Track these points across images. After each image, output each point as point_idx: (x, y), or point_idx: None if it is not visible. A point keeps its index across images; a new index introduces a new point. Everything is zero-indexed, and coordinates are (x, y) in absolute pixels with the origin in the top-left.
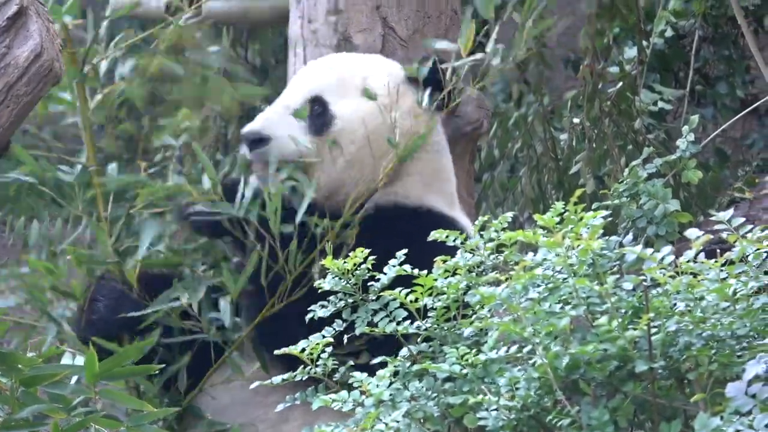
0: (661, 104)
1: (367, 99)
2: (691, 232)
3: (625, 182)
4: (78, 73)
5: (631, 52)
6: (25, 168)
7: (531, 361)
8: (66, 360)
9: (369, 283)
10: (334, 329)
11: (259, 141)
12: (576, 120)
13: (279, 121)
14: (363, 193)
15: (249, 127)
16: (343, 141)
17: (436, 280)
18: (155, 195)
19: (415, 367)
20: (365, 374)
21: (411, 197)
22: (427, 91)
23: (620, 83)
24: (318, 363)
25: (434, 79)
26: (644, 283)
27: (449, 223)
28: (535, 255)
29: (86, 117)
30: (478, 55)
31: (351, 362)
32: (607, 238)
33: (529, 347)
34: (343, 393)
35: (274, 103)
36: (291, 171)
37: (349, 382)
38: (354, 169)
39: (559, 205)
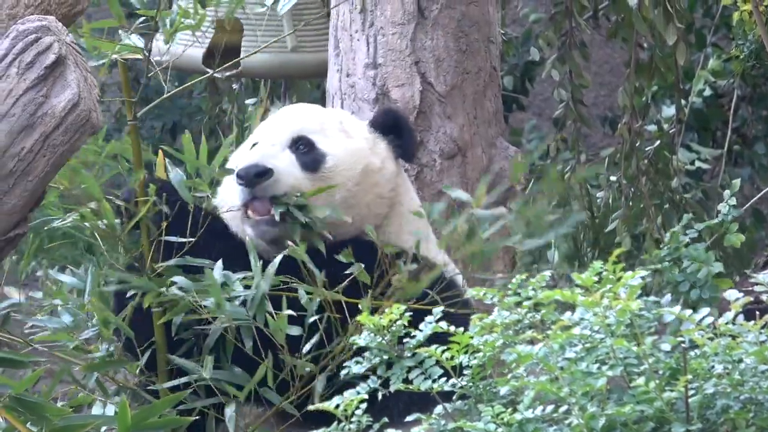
0: (698, 163)
1: (349, 138)
2: (731, 294)
3: (666, 247)
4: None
5: (669, 110)
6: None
7: (567, 422)
8: (96, 409)
9: (404, 340)
10: (369, 386)
11: (260, 175)
12: (613, 178)
13: (276, 155)
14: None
15: (246, 162)
16: (339, 178)
17: (472, 337)
18: None
19: (451, 426)
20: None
21: (402, 240)
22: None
23: (658, 142)
24: (352, 420)
25: (396, 128)
26: (682, 345)
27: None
28: (572, 314)
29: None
30: (497, 210)
31: (385, 419)
32: (645, 298)
33: (566, 407)
34: None
35: (258, 144)
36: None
37: None
38: (352, 209)
39: (597, 264)
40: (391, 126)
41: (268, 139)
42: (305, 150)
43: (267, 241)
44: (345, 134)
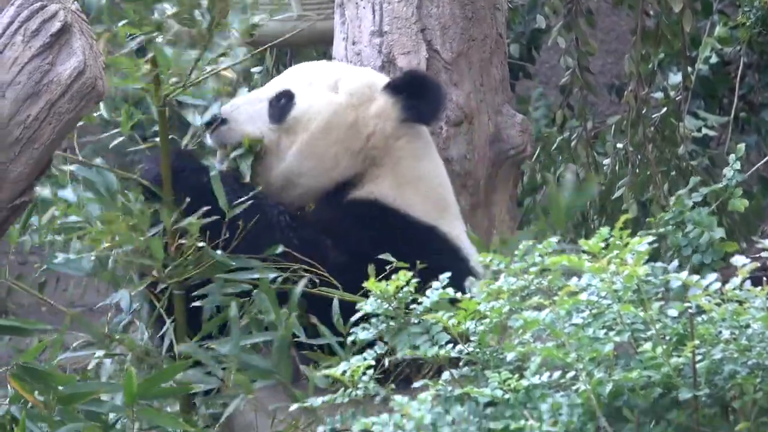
0: (705, 130)
1: (331, 93)
2: (737, 260)
3: (670, 211)
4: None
5: (675, 78)
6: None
7: (574, 387)
8: (103, 378)
9: (411, 306)
10: (376, 352)
11: (211, 123)
12: (619, 145)
13: (242, 107)
14: (322, 189)
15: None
16: (299, 128)
17: (479, 303)
18: None
19: (457, 391)
20: (406, 398)
21: (387, 199)
22: (402, 101)
23: (664, 109)
24: (359, 386)
25: (413, 88)
26: (689, 310)
27: (421, 229)
28: (579, 280)
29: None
30: None
31: (392, 385)
32: (652, 264)
33: (573, 373)
34: (384, 416)
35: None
36: (242, 155)
37: (390, 405)
38: (309, 160)
39: (604, 231)
40: (410, 87)
41: (257, 92)
42: (283, 103)
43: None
44: (331, 89)
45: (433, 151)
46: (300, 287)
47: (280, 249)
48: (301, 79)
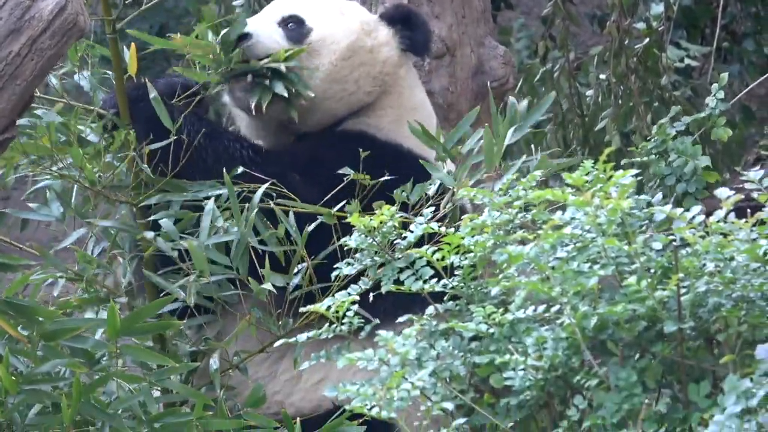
0: (687, 61)
1: (342, 16)
2: (721, 192)
3: (653, 140)
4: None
5: (657, 8)
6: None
7: (559, 321)
8: (88, 314)
9: (395, 241)
10: (360, 287)
11: (241, 38)
12: (602, 76)
13: (261, 23)
14: (337, 117)
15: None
16: (324, 50)
17: (463, 238)
18: None
19: (442, 326)
20: (391, 333)
21: (382, 131)
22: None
23: (647, 39)
24: (344, 321)
25: (406, 20)
26: (674, 243)
27: (414, 160)
28: (563, 214)
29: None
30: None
31: (377, 320)
32: (636, 197)
33: (557, 307)
34: (369, 351)
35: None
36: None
37: (375, 340)
38: (336, 83)
39: (587, 164)
40: (401, 19)
41: (262, 15)
42: (294, 26)
43: (242, 108)
44: (340, 14)
45: (420, 84)
46: (258, 194)
47: (240, 170)
48: (304, 3)
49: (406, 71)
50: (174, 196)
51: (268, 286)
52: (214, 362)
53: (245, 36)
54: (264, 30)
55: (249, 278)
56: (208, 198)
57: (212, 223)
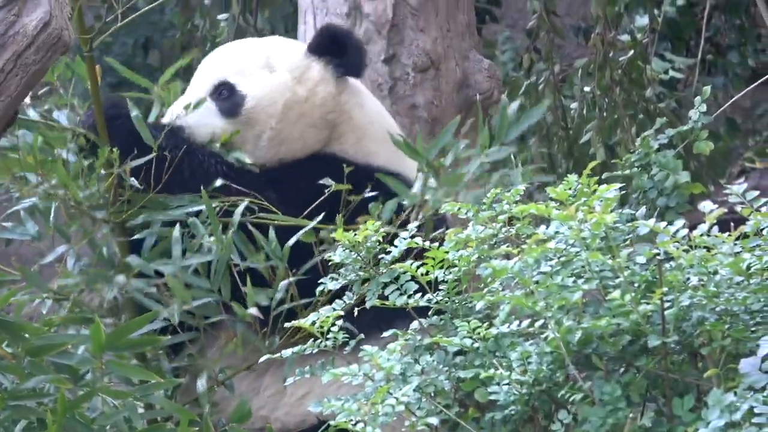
0: (672, 73)
1: (271, 74)
2: (705, 205)
3: (636, 153)
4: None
5: (642, 20)
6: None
7: (543, 336)
8: (71, 330)
9: (380, 256)
10: (345, 302)
11: (175, 130)
12: (587, 88)
13: (192, 103)
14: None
15: (165, 120)
16: (261, 116)
17: (447, 252)
18: None
19: (426, 341)
20: (376, 347)
21: (349, 153)
22: (327, 59)
23: (631, 52)
24: (328, 336)
25: (334, 46)
26: (658, 257)
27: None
28: (547, 228)
29: (97, 93)
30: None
31: (361, 335)
32: (620, 211)
33: (541, 321)
34: (354, 366)
35: (182, 96)
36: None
37: (360, 355)
38: (280, 145)
39: (572, 178)
40: (330, 45)
41: (191, 92)
42: (226, 95)
43: None
44: (268, 70)
45: (369, 95)
46: (239, 210)
47: (219, 182)
48: (230, 64)
49: (349, 94)
50: (156, 214)
51: (253, 310)
52: (201, 384)
53: (179, 128)
54: (194, 117)
55: (233, 301)
56: (189, 215)
57: (193, 241)
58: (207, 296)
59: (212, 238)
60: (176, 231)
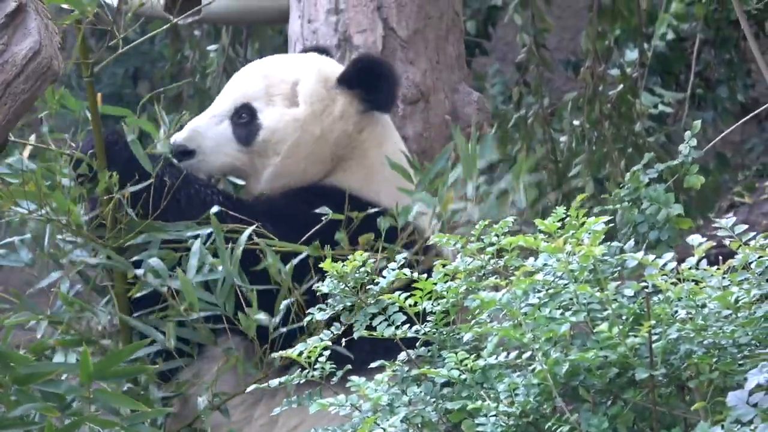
0: (661, 107)
1: (292, 106)
2: (693, 239)
3: (626, 187)
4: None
5: (632, 54)
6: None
7: (530, 367)
8: (58, 358)
9: (368, 286)
10: (332, 332)
11: (186, 153)
12: (576, 122)
13: (206, 131)
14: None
15: (175, 138)
16: (269, 151)
17: (435, 284)
18: None
19: (414, 372)
20: (363, 378)
21: (350, 188)
22: (356, 93)
23: (621, 86)
24: (315, 366)
25: (366, 81)
26: (646, 290)
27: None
28: (535, 260)
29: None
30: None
31: (349, 366)
32: (608, 243)
33: (529, 353)
34: (341, 397)
35: (204, 112)
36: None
37: (347, 385)
38: (283, 177)
39: (560, 210)
40: (364, 76)
41: (213, 108)
42: (245, 120)
43: None
44: (290, 101)
45: (393, 131)
46: (245, 234)
47: (216, 209)
48: (256, 87)
49: (369, 132)
50: (155, 237)
51: (260, 316)
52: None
53: (189, 153)
54: (209, 140)
55: (237, 314)
56: (190, 238)
57: (199, 262)
58: (212, 310)
59: (215, 259)
60: (196, 244)
